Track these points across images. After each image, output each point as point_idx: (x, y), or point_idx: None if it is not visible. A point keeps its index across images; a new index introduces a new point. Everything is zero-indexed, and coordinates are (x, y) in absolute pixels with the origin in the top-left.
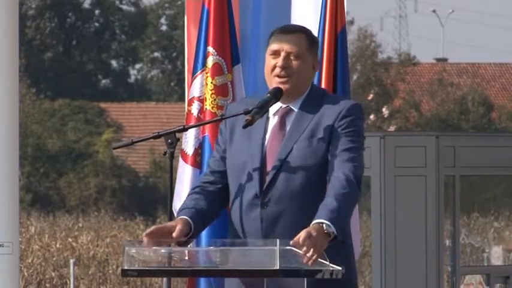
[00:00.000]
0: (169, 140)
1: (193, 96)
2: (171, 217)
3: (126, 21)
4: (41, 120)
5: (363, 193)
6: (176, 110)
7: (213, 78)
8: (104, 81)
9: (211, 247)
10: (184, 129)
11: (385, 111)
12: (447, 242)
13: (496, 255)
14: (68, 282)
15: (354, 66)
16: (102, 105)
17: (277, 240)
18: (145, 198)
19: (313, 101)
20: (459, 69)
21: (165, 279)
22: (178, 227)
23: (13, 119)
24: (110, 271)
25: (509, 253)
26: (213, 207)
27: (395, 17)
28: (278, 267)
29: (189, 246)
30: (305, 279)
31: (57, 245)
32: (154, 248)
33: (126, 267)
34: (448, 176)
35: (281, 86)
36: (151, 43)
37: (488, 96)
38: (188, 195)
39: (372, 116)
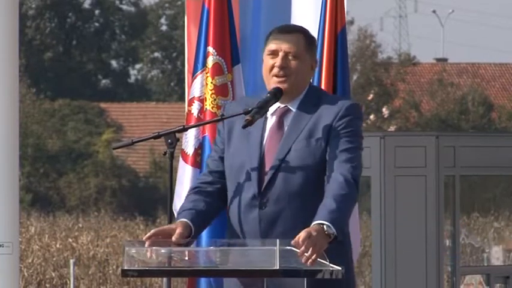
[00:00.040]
0: (169, 140)
1: (194, 96)
2: (171, 217)
3: (126, 21)
4: (41, 120)
5: (363, 193)
6: (176, 110)
7: (213, 78)
8: (104, 81)
9: (211, 247)
10: (184, 129)
11: (385, 111)
12: (447, 242)
13: (496, 255)
14: (68, 282)
15: (354, 66)
16: (102, 105)
17: (277, 240)
18: (145, 198)
19: (311, 100)
20: (459, 69)
21: (165, 279)
22: (178, 230)
23: (13, 119)
24: (110, 271)
25: (509, 253)
26: (212, 208)
27: (395, 17)
28: (278, 267)
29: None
30: (305, 279)
31: (57, 245)
32: (154, 248)
33: (126, 268)
34: (448, 176)
35: (279, 85)
36: (151, 43)
37: (488, 96)
38: (187, 196)
39: (371, 116)
